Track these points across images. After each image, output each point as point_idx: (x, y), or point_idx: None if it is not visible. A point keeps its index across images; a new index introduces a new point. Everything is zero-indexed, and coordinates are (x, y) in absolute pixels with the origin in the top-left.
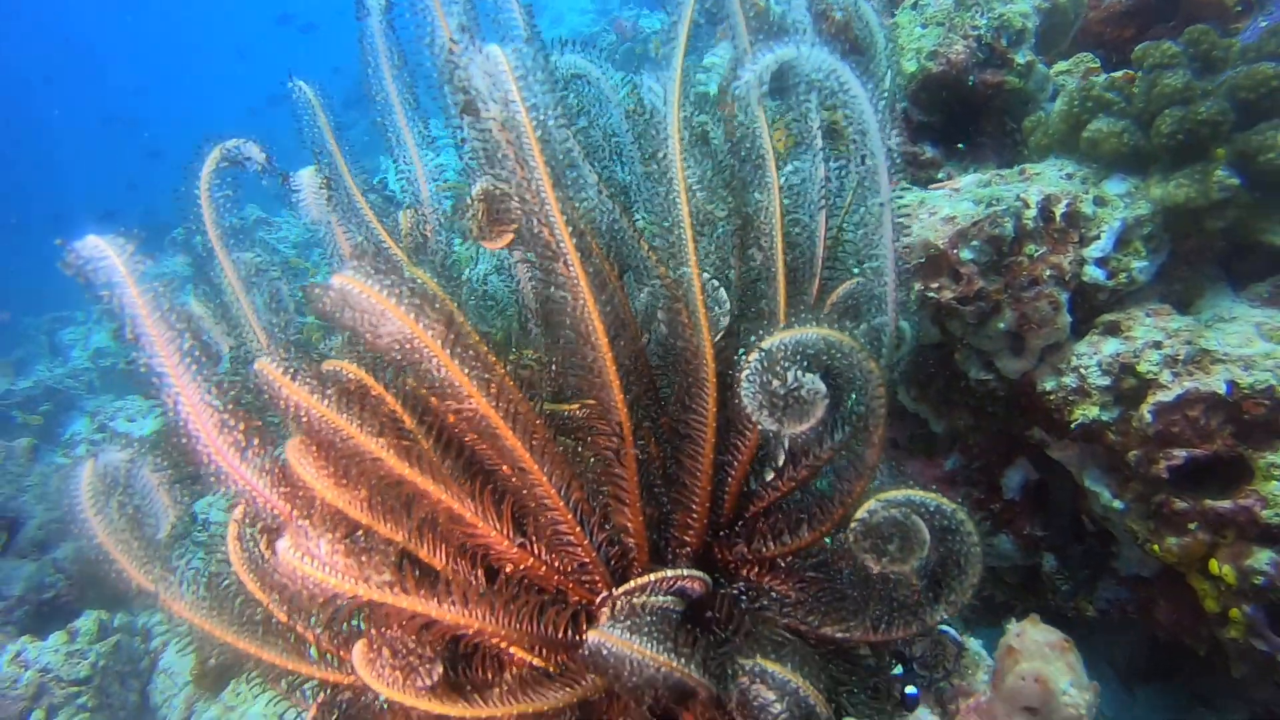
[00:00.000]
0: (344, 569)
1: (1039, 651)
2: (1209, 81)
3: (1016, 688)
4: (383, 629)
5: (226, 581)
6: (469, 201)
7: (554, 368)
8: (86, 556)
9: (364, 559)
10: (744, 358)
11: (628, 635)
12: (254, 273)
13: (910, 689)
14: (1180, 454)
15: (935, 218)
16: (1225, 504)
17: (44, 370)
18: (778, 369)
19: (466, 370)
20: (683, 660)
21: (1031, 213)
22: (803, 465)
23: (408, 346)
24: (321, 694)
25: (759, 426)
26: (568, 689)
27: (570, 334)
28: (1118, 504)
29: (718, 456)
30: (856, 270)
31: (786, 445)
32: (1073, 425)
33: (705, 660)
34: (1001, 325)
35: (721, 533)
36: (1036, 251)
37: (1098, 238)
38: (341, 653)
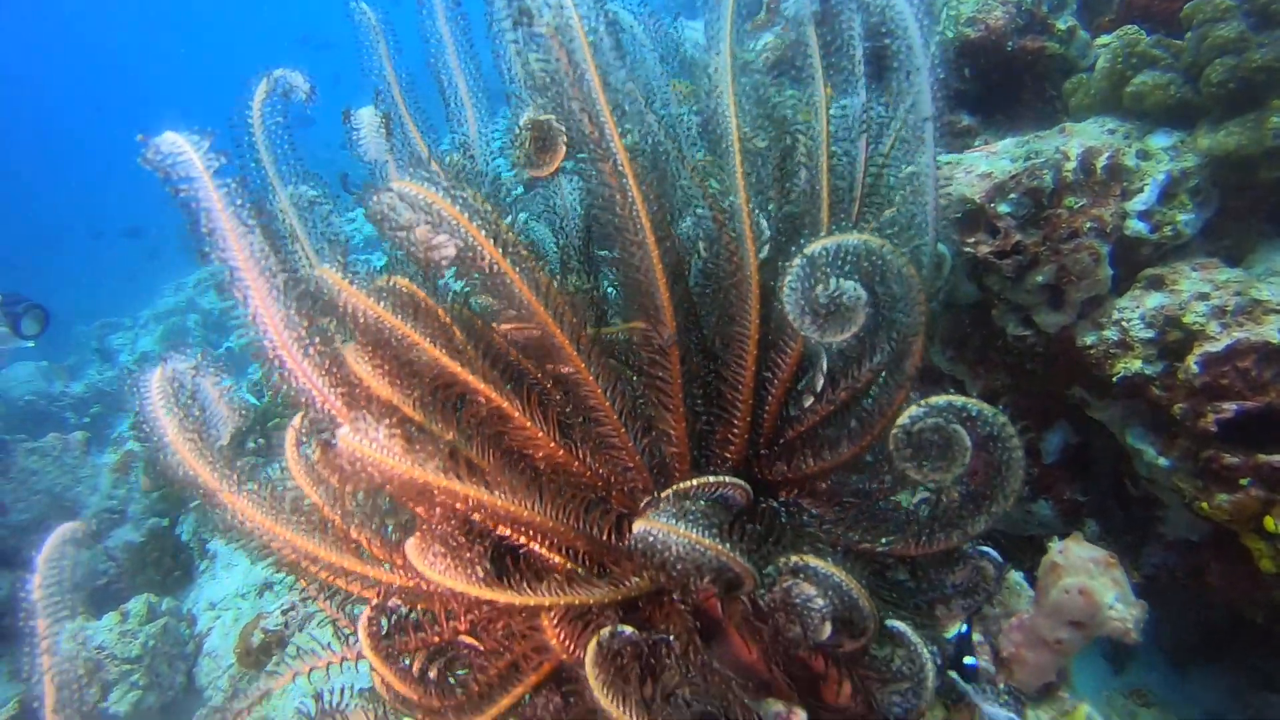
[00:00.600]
0: (400, 453)
1: (1084, 566)
2: (1266, 35)
3: (1061, 601)
4: (432, 525)
5: (285, 487)
6: (518, 131)
7: (595, 294)
8: (156, 457)
9: (418, 447)
10: (787, 265)
11: (674, 522)
12: (309, 205)
13: (969, 659)
14: (1230, 407)
15: (972, 174)
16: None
17: (94, 374)
18: (820, 274)
19: (517, 269)
20: (728, 545)
21: (1072, 165)
22: (842, 388)
23: (464, 250)
24: (371, 603)
25: (799, 342)
26: (611, 587)
27: (617, 233)
28: (1163, 461)
29: (759, 371)
30: (898, 198)
31: (825, 368)
32: (1115, 379)
33: (748, 553)
34: (1040, 279)
35: (762, 453)
36: (1077, 204)
37: (1141, 190)
38: (394, 556)
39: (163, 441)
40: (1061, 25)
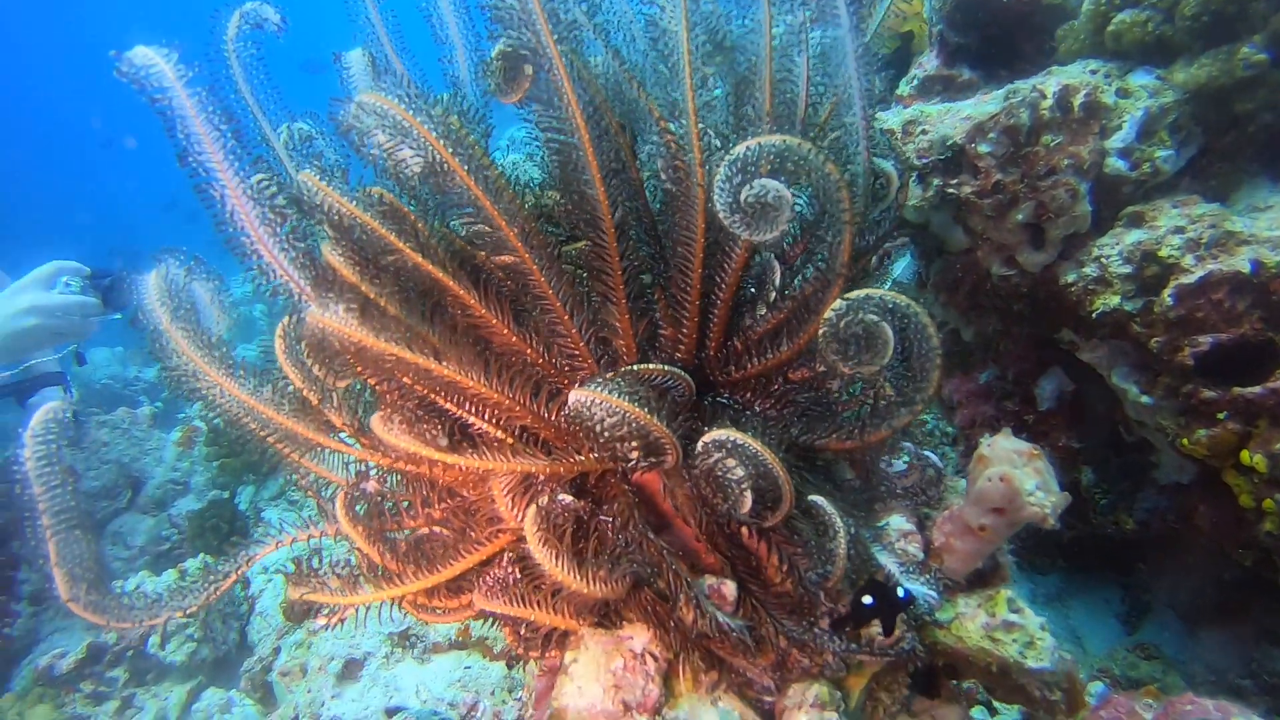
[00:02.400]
0: (358, 324)
1: (1007, 457)
2: None
3: (984, 489)
4: (393, 401)
5: (273, 375)
6: (488, 61)
7: (567, 205)
8: (154, 345)
9: (376, 325)
10: (716, 166)
11: (603, 390)
12: (302, 140)
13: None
14: (1205, 340)
15: (957, 117)
16: (1255, 390)
17: None
18: (747, 174)
19: (466, 167)
20: (648, 410)
21: (1048, 103)
22: (788, 296)
23: (427, 162)
24: (345, 482)
25: (743, 247)
26: (553, 460)
27: (565, 147)
28: (1146, 399)
29: (706, 274)
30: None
31: (777, 282)
32: (1094, 315)
33: (672, 425)
34: (1020, 216)
35: (713, 356)
36: (1054, 141)
37: (1120, 128)
38: (363, 438)
39: (158, 329)
40: None
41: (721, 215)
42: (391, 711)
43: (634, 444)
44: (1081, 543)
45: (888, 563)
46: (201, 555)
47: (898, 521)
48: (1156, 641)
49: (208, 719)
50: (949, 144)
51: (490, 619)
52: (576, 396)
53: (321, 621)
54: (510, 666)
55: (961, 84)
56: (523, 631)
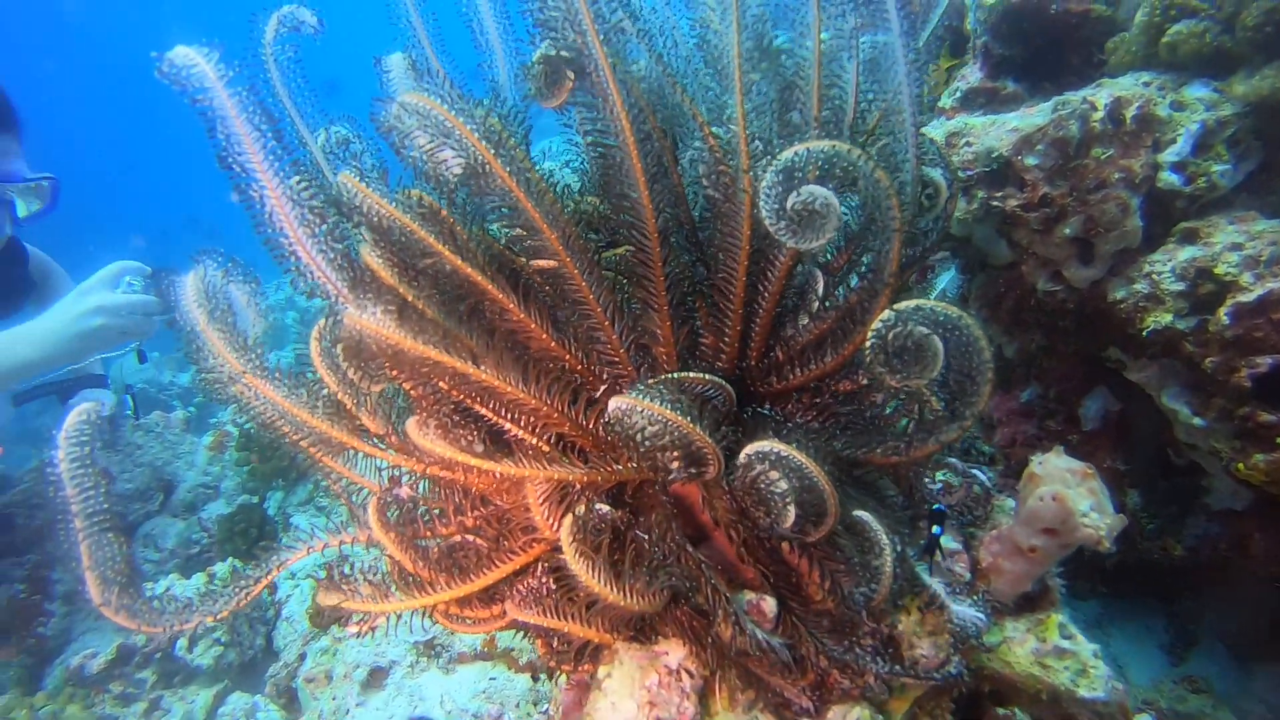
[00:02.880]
0: (396, 326)
1: (1060, 476)
2: None
3: (1035, 509)
4: (428, 407)
5: (307, 379)
6: (530, 65)
7: (605, 216)
8: (191, 345)
9: (413, 328)
10: (762, 173)
11: (644, 398)
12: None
13: (936, 528)
14: (1264, 361)
15: (1003, 129)
16: None
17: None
18: (794, 181)
19: (508, 168)
20: (690, 418)
21: (1099, 115)
22: (832, 307)
23: (467, 163)
24: (378, 487)
25: (788, 256)
26: (591, 469)
27: (608, 149)
28: (1198, 421)
29: (750, 282)
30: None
31: (821, 292)
32: (1144, 333)
33: (715, 435)
34: (1068, 231)
35: (754, 366)
36: (1104, 154)
37: (1174, 141)
38: (394, 444)
39: (195, 330)
40: None
41: (767, 222)
42: None
43: (675, 454)
44: (1125, 568)
45: (933, 582)
46: (230, 559)
47: (944, 540)
48: (1205, 675)
49: None
50: (994, 156)
51: (522, 630)
52: (617, 403)
53: (352, 629)
54: (535, 679)
55: (1006, 97)
56: (555, 644)
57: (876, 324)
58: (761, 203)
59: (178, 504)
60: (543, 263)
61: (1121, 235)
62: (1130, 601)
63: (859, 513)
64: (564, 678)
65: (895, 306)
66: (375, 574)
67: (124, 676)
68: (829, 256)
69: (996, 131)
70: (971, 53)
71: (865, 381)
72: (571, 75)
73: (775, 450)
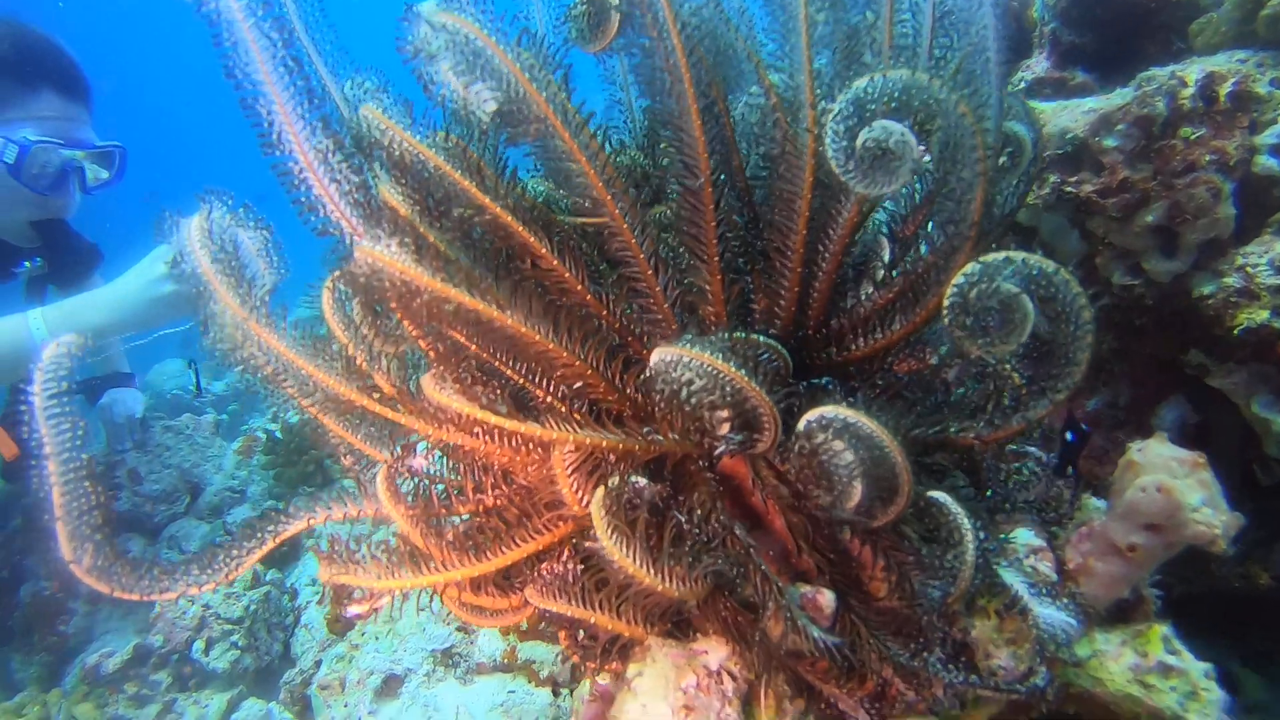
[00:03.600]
0: (413, 261)
1: (1165, 465)
2: None
3: (1136, 500)
4: (446, 361)
5: (316, 335)
6: (571, 6)
7: (651, 171)
8: (194, 290)
9: (434, 268)
10: (829, 106)
11: (691, 347)
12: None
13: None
14: None
15: (1077, 111)
16: None
17: (235, 375)
18: (866, 116)
19: (546, 97)
20: (744, 372)
21: (1190, 91)
22: (901, 272)
23: (503, 93)
24: (388, 458)
25: (855, 207)
26: (627, 436)
27: (657, 81)
28: None
29: (809, 238)
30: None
31: (887, 258)
32: (1236, 332)
33: (772, 394)
34: (1150, 218)
35: (812, 335)
36: (1194, 134)
37: (1273, 122)
38: (411, 404)
39: (196, 273)
40: None
41: (834, 163)
42: None
43: (725, 414)
44: (1191, 600)
45: (1015, 582)
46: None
47: (1025, 535)
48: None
49: None
50: (1068, 138)
51: (544, 622)
52: (661, 354)
53: (354, 608)
54: (557, 694)
55: (1075, 87)
56: (580, 637)
57: (958, 279)
58: (828, 140)
59: (203, 507)
60: (582, 219)
61: (1211, 224)
62: (1193, 638)
63: (935, 493)
64: (586, 686)
65: (981, 259)
66: (383, 550)
67: (139, 677)
68: (897, 223)
69: (1071, 113)
70: (1037, 41)
71: (934, 361)
72: (615, 18)
73: (842, 416)
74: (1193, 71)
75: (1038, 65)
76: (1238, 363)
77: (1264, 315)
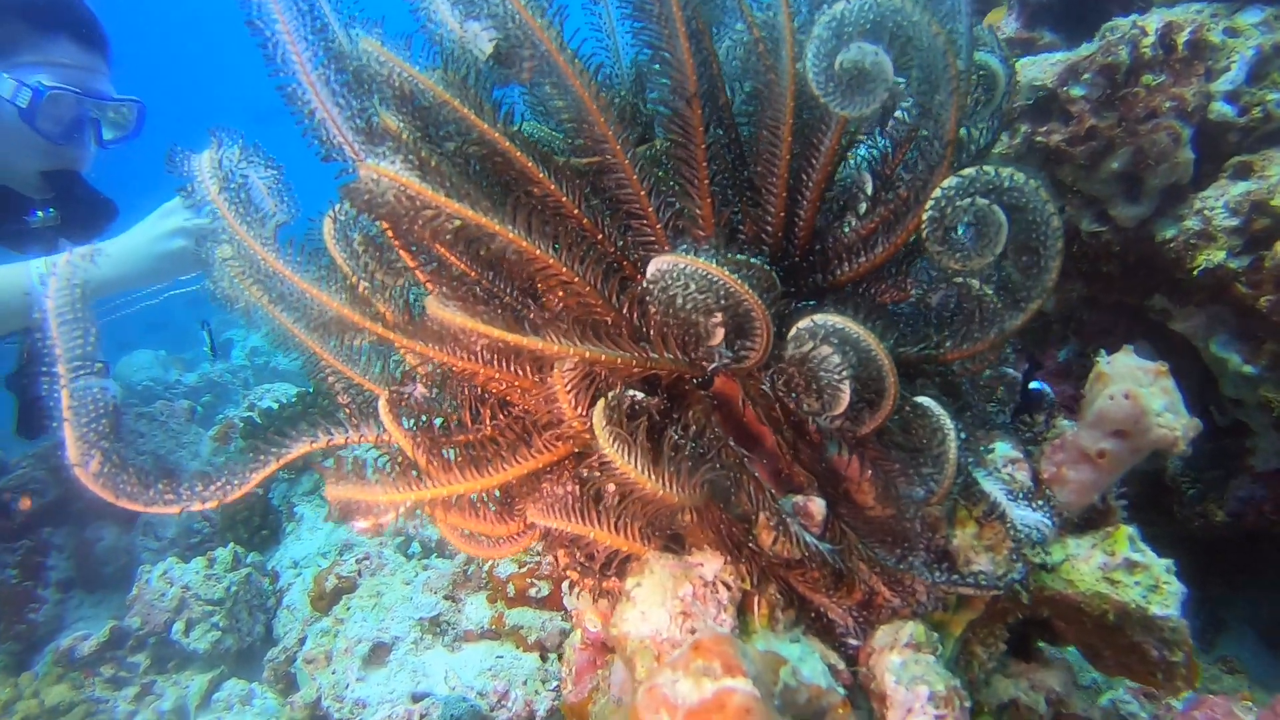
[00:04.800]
0: (419, 180)
1: (1130, 374)
2: None
3: (1104, 408)
4: (448, 287)
5: (319, 265)
6: None
7: (640, 107)
8: (202, 229)
9: (436, 183)
10: (811, 28)
11: (686, 254)
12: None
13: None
14: None
15: (1046, 63)
16: None
17: (208, 366)
18: (844, 38)
19: (544, 30)
20: (738, 276)
21: (1150, 40)
22: (883, 202)
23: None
24: (388, 390)
25: (838, 129)
26: (624, 352)
27: (648, 9)
28: (1249, 369)
29: (792, 160)
30: None
31: (869, 191)
32: (1195, 273)
33: (764, 299)
34: (1115, 165)
35: (799, 263)
36: (1155, 81)
37: (1228, 69)
38: (408, 326)
39: (204, 199)
40: None
41: (814, 85)
42: (418, 697)
43: (719, 319)
44: (1154, 542)
45: (993, 490)
46: (231, 545)
47: (1004, 448)
48: (1238, 657)
49: (228, 709)
50: (1037, 87)
51: (544, 541)
52: (659, 263)
53: (360, 523)
54: (544, 658)
55: (1042, 47)
56: (578, 556)
57: (936, 194)
58: (809, 63)
59: None
60: (578, 149)
61: (1172, 168)
62: None
63: (919, 398)
64: (577, 636)
65: (958, 173)
66: (389, 464)
67: (116, 660)
68: (878, 161)
69: (1039, 65)
70: (1007, 3)
71: (912, 290)
72: None
73: (831, 321)
74: (1153, 21)
75: (1007, 25)
76: (1197, 305)
77: (1220, 255)
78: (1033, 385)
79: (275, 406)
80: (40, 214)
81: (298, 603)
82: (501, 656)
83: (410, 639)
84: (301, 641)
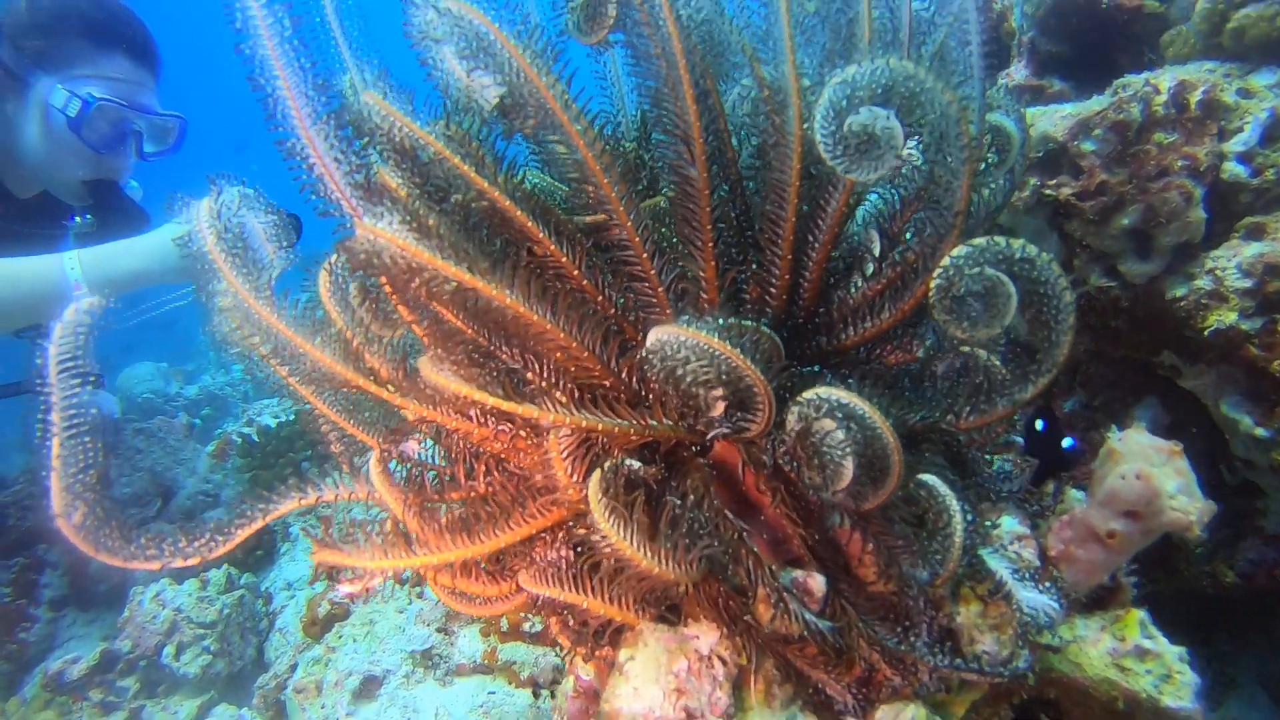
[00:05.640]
0: (415, 242)
1: (1143, 453)
2: None
3: (1115, 488)
4: (444, 346)
5: (315, 319)
6: None
7: (645, 161)
8: (196, 269)
9: (433, 245)
10: (820, 92)
11: (687, 326)
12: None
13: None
14: None
15: (1056, 115)
16: None
17: (209, 379)
18: (854, 102)
19: (549, 88)
20: (739, 349)
21: (1163, 98)
22: (889, 264)
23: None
24: (380, 437)
25: (844, 193)
26: (622, 420)
27: (653, 67)
28: (1261, 432)
29: (799, 225)
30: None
31: (877, 253)
32: (1206, 333)
33: (766, 373)
34: (1125, 221)
35: (803, 325)
36: (1167, 139)
37: (1240, 130)
38: (405, 385)
39: (201, 251)
40: None
41: (823, 148)
42: None
43: (720, 392)
44: (1159, 599)
45: (1000, 568)
46: (225, 566)
47: (1010, 523)
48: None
49: None
50: (1048, 140)
51: (534, 608)
52: (658, 334)
53: (345, 587)
54: (537, 695)
55: (1052, 95)
56: (571, 623)
57: (945, 262)
58: (818, 127)
59: (176, 510)
60: (580, 208)
61: (1184, 227)
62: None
63: (924, 475)
64: (570, 683)
65: (968, 243)
66: (376, 532)
67: (105, 684)
68: (886, 220)
69: (1050, 118)
70: (1016, 50)
71: (921, 354)
72: (612, 11)
73: (835, 396)
74: (1165, 79)
75: (1017, 73)
76: (1208, 364)
77: (1232, 317)
78: (1065, 443)
79: (274, 425)
80: (79, 219)
81: (290, 626)
82: (494, 693)
83: (402, 672)
84: (293, 669)
